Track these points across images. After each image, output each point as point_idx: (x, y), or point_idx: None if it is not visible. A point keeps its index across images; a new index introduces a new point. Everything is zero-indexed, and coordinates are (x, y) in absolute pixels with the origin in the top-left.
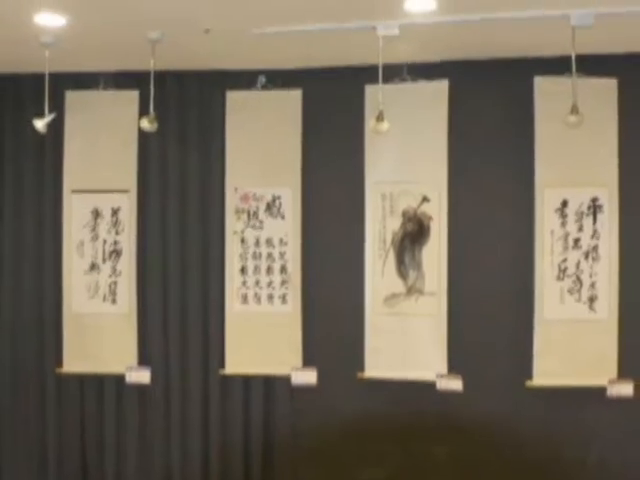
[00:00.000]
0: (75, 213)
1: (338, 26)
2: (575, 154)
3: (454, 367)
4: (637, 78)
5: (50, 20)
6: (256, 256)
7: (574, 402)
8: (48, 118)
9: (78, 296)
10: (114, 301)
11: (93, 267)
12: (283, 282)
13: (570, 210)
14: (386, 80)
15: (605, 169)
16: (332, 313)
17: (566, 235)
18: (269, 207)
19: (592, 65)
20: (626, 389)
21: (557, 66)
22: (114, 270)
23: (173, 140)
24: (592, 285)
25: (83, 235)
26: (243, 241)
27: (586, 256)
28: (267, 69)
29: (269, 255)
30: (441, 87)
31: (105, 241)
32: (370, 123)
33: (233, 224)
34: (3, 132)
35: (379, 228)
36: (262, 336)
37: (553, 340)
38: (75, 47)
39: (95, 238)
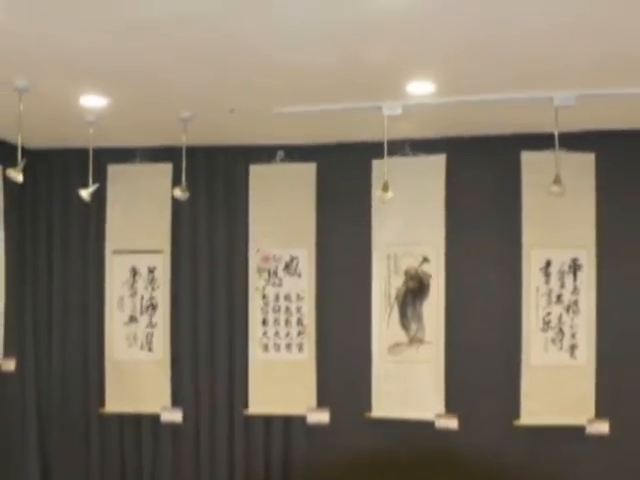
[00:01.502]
0: (116, 272)
1: (348, 106)
2: (558, 220)
3: (451, 408)
4: (612, 153)
5: (94, 101)
6: (276, 310)
7: (557, 439)
8: (92, 188)
9: (118, 345)
10: (150, 349)
11: (132, 319)
12: (299, 333)
13: (553, 269)
14: (390, 154)
15: (584, 233)
16: (343, 360)
17: (550, 291)
18: (287, 266)
19: (573, 141)
20: (603, 427)
21: (542, 142)
22: (150, 322)
23: (202, 207)
24: (573, 335)
25: (123, 291)
26: (264, 297)
27: (567, 310)
28: (285, 144)
29: (287, 309)
30: (439, 161)
31: (142, 296)
32: (376, 193)
33: (255, 281)
34: (52, 200)
35: (384, 285)
36: (281, 380)
37: (538, 384)
38: (115, 125)
39: (134, 294)
